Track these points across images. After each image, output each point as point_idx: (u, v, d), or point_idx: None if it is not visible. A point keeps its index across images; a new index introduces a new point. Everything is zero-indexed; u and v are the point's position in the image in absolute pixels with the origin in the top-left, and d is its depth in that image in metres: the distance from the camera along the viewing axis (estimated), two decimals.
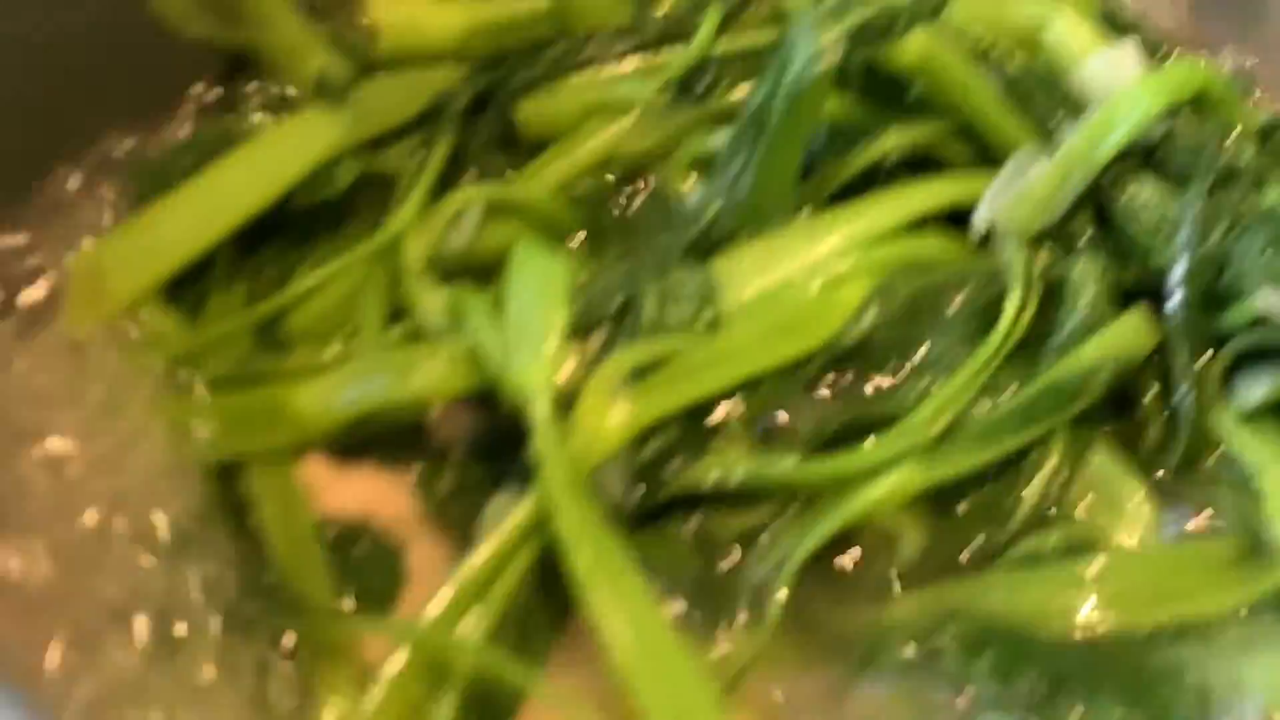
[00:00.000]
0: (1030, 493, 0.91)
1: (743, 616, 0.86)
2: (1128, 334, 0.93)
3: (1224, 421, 0.92)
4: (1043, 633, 0.86)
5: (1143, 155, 0.96)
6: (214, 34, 1.08)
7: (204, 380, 0.93)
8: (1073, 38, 0.99)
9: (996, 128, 0.97)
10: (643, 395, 0.86)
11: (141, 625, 0.83)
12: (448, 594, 0.81)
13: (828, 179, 0.99)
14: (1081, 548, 0.89)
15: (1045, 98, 0.98)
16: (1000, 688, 0.83)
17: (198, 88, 1.11)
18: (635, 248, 0.97)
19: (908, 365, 0.93)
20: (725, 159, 0.96)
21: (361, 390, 0.90)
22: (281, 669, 0.83)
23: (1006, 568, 0.89)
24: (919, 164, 1.01)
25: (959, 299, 0.94)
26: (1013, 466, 0.92)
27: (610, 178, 1.05)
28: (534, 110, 1.05)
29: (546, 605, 0.85)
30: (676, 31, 1.07)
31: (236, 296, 1.00)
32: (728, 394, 0.90)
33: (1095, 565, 0.87)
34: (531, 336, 0.87)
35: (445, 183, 1.03)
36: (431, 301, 0.93)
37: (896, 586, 0.90)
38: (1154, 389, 0.96)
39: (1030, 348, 0.93)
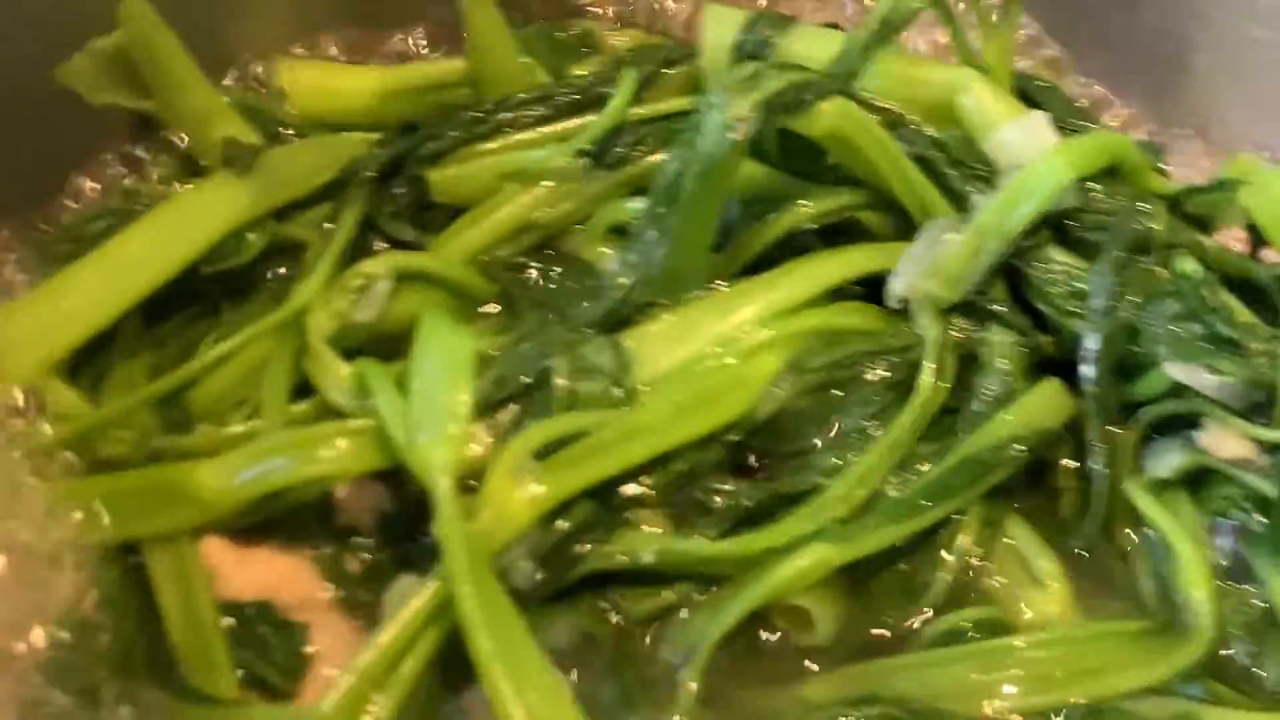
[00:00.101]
0: (945, 569, 0.90)
1: (655, 699, 0.85)
2: (1042, 405, 0.93)
3: (1138, 493, 0.91)
4: (960, 713, 0.85)
5: (1056, 225, 0.96)
6: (121, 101, 1.06)
7: (102, 459, 0.91)
8: (986, 107, 0.98)
9: (911, 197, 0.97)
10: (553, 472, 0.85)
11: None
12: (346, 681, 0.79)
13: (743, 249, 0.99)
14: (998, 625, 0.88)
15: (959, 167, 0.97)
16: None
17: (105, 156, 1.10)
18: (548, 319, 0.96)
19: (822, 439, 0.92)
20: (639, 230, 0.95)
21: (264, 469, 0.87)
22: None
23: (923, 646, 0.89)
24: (836, 233, 1.00)
25: (874, 371, 0.93)
26: (928, 542, 0.91)
27: (525, 246, 1.03)
28: (446, 177, 1.04)
29: (452, 690, 0.84)
30: (592, 98, 1.06)
31: (140, 370, 0.98)
32: (640, 470, 0.89)
33: (1012, 644, 0.87)
34: (435, 414, 0.85)
35: (355, 252, 1.01)
36: (336, 376, 0.91)
37: (812, 666, 0.88)
38: (1068, 460, 0.96)
39: (945, 420, 0.93)
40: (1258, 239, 0.99)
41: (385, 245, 1.04)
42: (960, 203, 0.97)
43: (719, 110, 0.91)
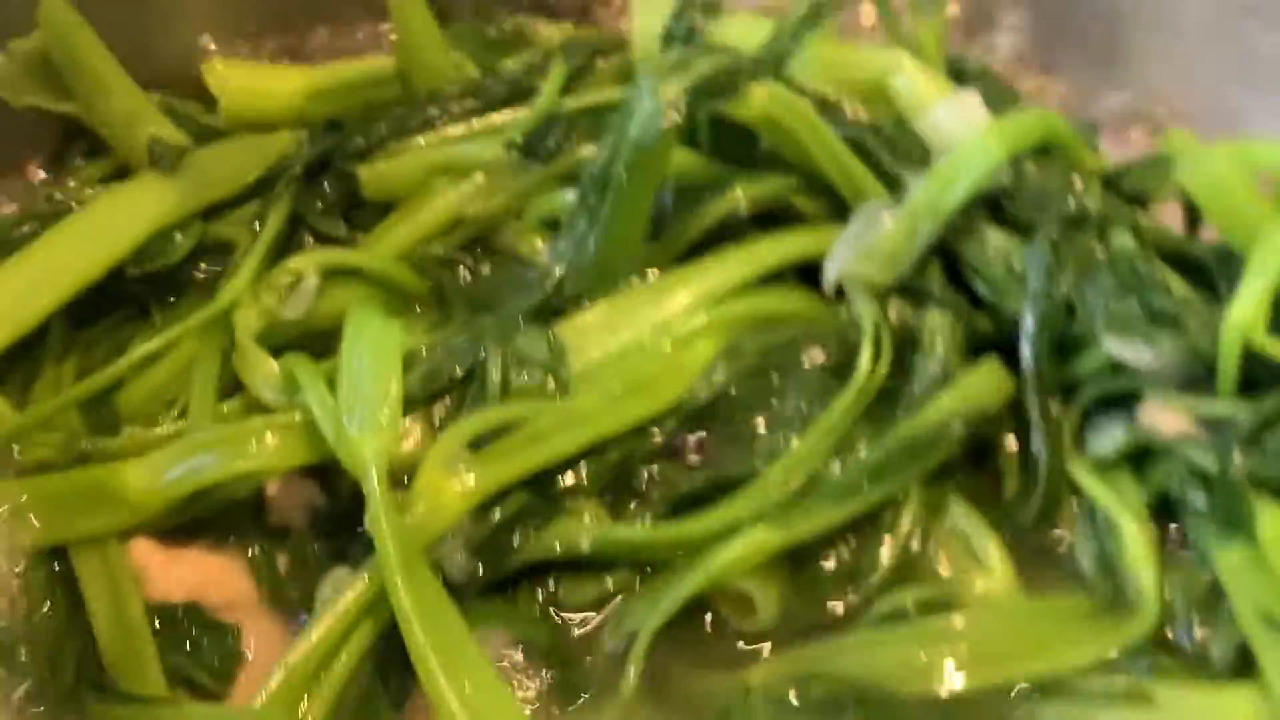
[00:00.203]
0: (888, 550, 0.89)
1: (595, 687, 0.84)
2: (981, 385, 0.92)
3: (1081, 472, 0.91)
4: (904, 692, 0.83)
5: (990, 205, 0.95)
6: (44, 104, 1.05)
7: (28, 462, 0.89)
8: (918, 88, 0.98)
9: (845, 180, 0.96)
10: (486, 463, 0.84)
11: None
12: (278, 678, 0.77)
13: (677, 237, 0.98)
14: (941, 604, 0.87)
15: (892, 149, 0.97)
16: None
17: (30, 161, 1.08)
18: (481, 312, 0.95)
19: (760, 423, 0.91)
20: (571, 219, 0.94)
21: (191, 466, 0.86)
22: None
23: (866, 626, 0.87)
24: (770, 220, 0.99)
25: (811, 355, 0.93)
26: (870, 523, 0.90)
27: (457, 241, 1.02)
28: (376, 173, 1.03)
29: (388, 683, 0.82)
30: (522, 91, 1.05)
31: (68, 374, 0.97)
32: (576, 458, 0.88)
33: (955, 622, 0.86)
34: (365, 404, 0.84)
35: (286, 250, 1.00)
36: (265, 373, 0.90)
37: (755, 650, 0.87)
38: (1010, 441, 0.95)
39: (885, 402, 0.92)
40: (1193, 215, 0.99)
41: (317, 244, 1.02)
42: (894, 185, 0.96)
43: (649, 95, 0.90)
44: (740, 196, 0.98)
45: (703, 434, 0.92)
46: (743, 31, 1.02)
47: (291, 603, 0.88)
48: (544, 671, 0.85)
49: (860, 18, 1.18)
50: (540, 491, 0.87)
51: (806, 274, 0.97)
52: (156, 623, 0.86)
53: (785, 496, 0.87)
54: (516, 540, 0.86)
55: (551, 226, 1.00)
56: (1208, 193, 0.92)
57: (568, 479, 0.88)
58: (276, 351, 0.92)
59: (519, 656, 0.85)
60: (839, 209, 0.97)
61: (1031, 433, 0.92)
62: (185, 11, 1.14)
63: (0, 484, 0.88)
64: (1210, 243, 0.97)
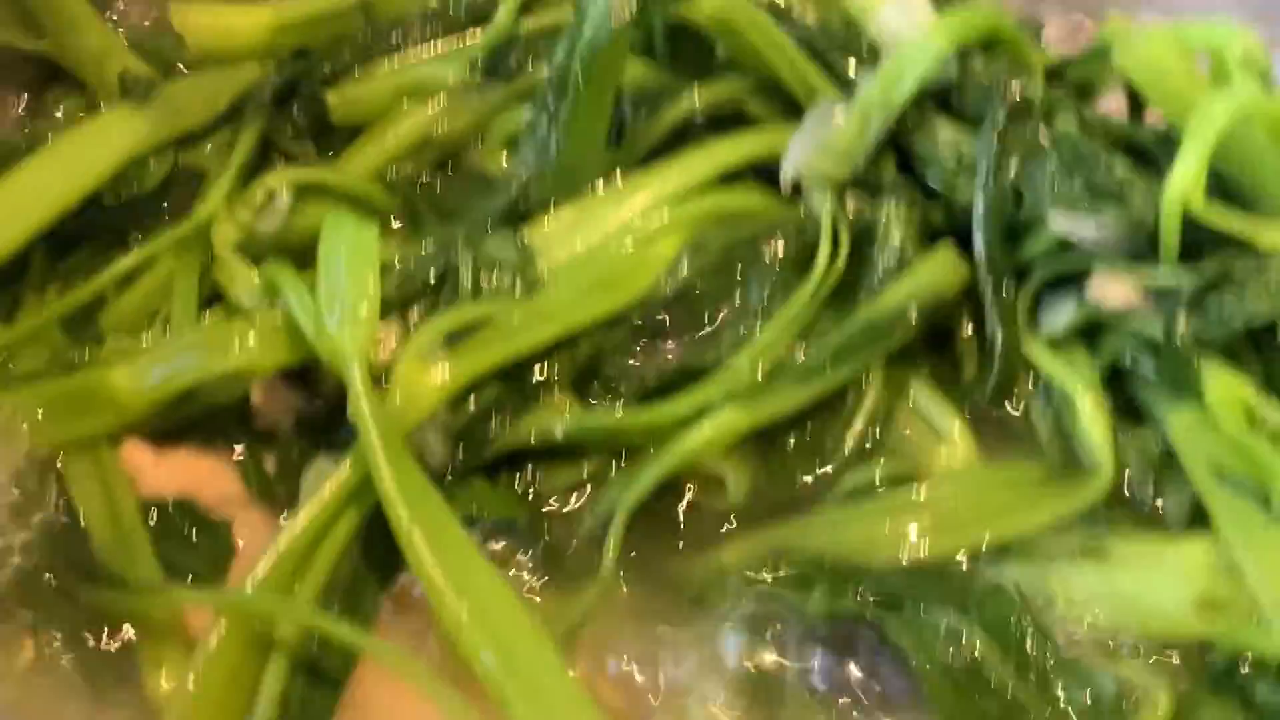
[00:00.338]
0: (852, 430, 0.93)
1: (576, 566, 0.87)
2: (936, 270, 0.95)
3: (1035, 349, 0.94)
4: (872, 561, 0.87)
5: (938, 98, 0.98)
6: (16, 42, 1.07)
7: (18, 374, 0.91)
8: None
9: (797, 81, 0.99)
10: (460, 356, 0.87)
11: None
12: (269, 561, 0.80)
13: (637, 143, 1.00)
14: (904, 478, 0.91)
15: (842, 49, 1.00)
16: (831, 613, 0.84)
17: (6, 99, 1.10)
18: (450, 222, 0.97)
19: (724, 315, 0.94)
20: (533, 122, 0.97)
21: (176, 366, 0.89)
22: (106, 646, 0.82)
23: (834, 503, 0.91)
24: (727, 124, 1.02)
25: (772, 248, 0.95)
26: (835, 405, 0.93)
27: (425, 162, 1.05)
28: (344, 98, 1.06)
29: (374, 566, 0.85)
30: (483, 12, 1.08)
31: (50, 301, 0.99)
32: (548, 352, 0.90)
33: (919, 493, 0.89)
34: (344, 301, 0.87)
35: (258, 173, 1.02)
36: (244, 280, 0.93)
37: (727, 529, 0.90)
38: (968, 327, 0.98)
39: (845, 292, 0.95)
40: (1136, 103, 1.02)
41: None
42: (845, 85, 0.99)
43: None
44: (696, 100, 1.00)
45: (671, 328, 0.95)
46: None
47: (280, 500, 0.91)
48: (525, 553, 0.88)
49: None
50: (515, 384, 0.89)
51: (765, 174, 1.00)
52: (150, 520, 0.88)
53: (752, 381, 0.90)
54: (493, 430, 0.88)
55: (516, 144, 1.02)
56: (1146, 75, 0.95)
57: (541, 372, 0.90)
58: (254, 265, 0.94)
59: (498, 547, 0.88)
60: (793, 111, 1.00)
61: (986, 315, 0.95)
62: None
63: None
64: (1153, 127, 0.99)
